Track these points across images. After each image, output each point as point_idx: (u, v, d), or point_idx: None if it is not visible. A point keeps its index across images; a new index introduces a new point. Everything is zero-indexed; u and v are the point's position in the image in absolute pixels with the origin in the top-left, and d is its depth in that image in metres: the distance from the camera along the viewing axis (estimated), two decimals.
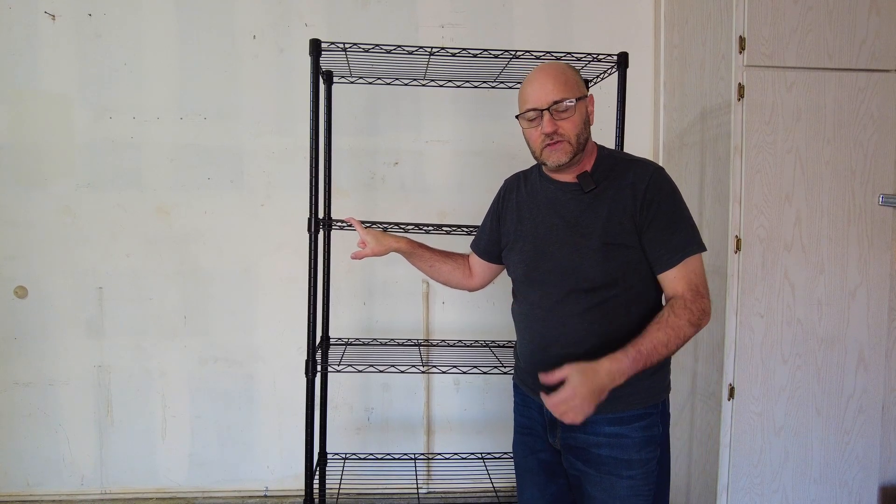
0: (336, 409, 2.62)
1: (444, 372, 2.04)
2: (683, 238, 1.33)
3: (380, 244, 1.71)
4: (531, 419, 1.50)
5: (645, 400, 1.37)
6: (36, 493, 2.55)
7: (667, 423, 1.42)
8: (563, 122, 1.34)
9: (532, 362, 1.44)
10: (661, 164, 2.57)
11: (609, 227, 1.34)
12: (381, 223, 1.96)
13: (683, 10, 2.38)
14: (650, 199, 1.32)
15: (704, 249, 1.36)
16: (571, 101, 1.33)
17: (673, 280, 1.33)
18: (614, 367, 1.22)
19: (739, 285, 2.01)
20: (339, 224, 1.97)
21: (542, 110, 1.34)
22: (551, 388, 1.24)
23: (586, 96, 1.38)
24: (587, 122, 1.38)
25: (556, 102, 1.33)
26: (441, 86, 2.23)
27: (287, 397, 2.59)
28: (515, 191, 1.54)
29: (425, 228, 1.96)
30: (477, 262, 1.68)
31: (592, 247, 1.34)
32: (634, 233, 1.33)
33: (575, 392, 1.18)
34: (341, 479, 2.37)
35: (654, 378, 1.38)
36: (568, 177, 1.41)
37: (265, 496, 2.63)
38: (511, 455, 2.51)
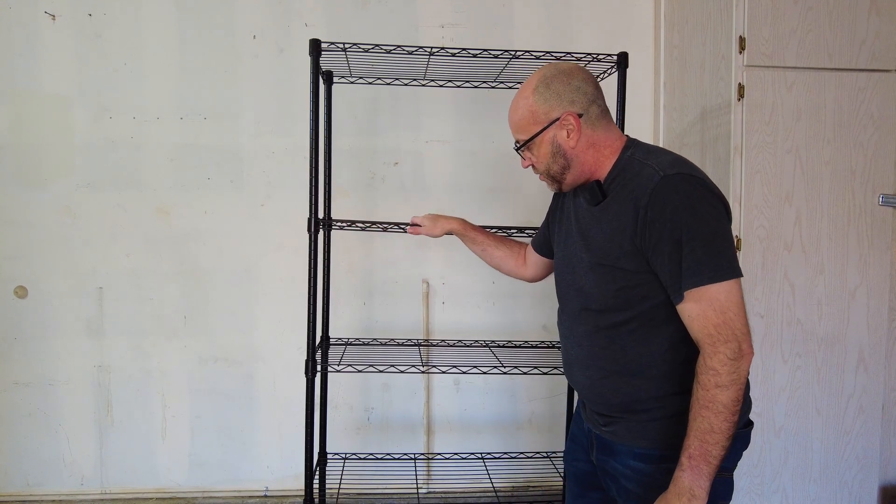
0: (336, 409, 2.62)
1: (444, 372, 2.04)
2: (694, 262, 1.09)
3: (435, 225, 1.72)
4: (578, 429, 1.45)
5: (669, 440, 1.19)
6: (36, 493, 2.55)
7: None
8: (532, 157, 1.31)
9: (567, 376, 1.40)
10: None
11: (605, 247, 1.21)
12: (381, 223, 1.96)
13: (683, 10, 2.38)
14: (652, 216, 1.12)
15: (731, 276, 1.10)
16: (526, 141, 1.28)
17: (689, 320, 1.13)
18: (681, 489, 1.10)
19: None
20: (339, 224, 1.97)
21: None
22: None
23: (555, 121, 1.24)
24: (557, 151, 1.25)
25: (517, 143, 1.32)
26: (441, 86, 2.23)
27: (287, 397, 2.59)
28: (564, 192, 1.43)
29: None
30: (531, 253, 1.64)
31: (593, 266, 1.24)
32: (636, 255, 1.16)
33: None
34: (341, 479, 2.37)
35: (684, 417, 1.16)
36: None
37: (265, 496, 2.63)
38: (511, 456, 2.53)
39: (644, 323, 1.20)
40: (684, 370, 1.19)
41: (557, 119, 1.24)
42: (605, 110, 1.29)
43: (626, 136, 1.31)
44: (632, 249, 1.17)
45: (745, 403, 1.24)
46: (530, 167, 1.35)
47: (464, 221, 1.72)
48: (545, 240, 1.56)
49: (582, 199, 1.31)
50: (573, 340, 1.33)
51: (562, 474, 2.44)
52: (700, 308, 1.10)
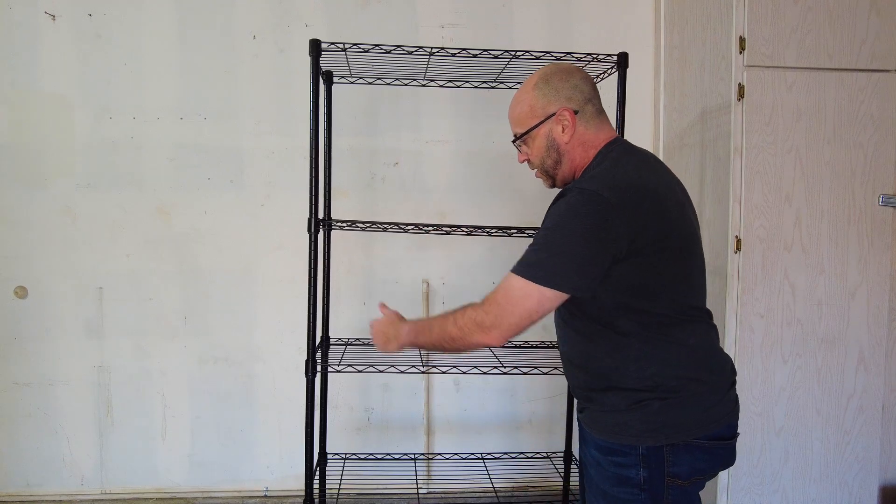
0: (336, 409, 2.62)
1: (444, 372, 2.04)
2: (526, 255, 1.21)
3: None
4: None
5: (615, 434, 1.26)
6: (36, 493, 2.55)
7: (659, 469, 1.23)
8: (528, 151, 1.38)
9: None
10: None
11: None
12: (381, 223, 1.96)
13: (683, 11, 2.38)
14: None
15: (538, 279, 1.17)
16: (522, 134, 1.35)
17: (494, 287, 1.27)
18: (400, 329, 1.41)
19: (739, 286, 2.01)
20: (338, 224, 1.97)
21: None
22: None
23: (551, 116, 1.30)
24: (551, 146, 1.32)
25: (514, 136, 1.38)
26: (441, 86, 2.23)
27: (287, 397, 2.59)
28: None
29: (425, 228, 1.96)
30: None
31: None
32: None
33: (376, 327, 1.47)
34: (341, 479, 2.37)
35: (626, 414, 1.25)
36: None
37: (265, 496, 2.63)
38: (511, 456, 2.53)
39: (587, 321, 1.27)
40: (624, 368, 1.24)
41: (554, 114, 1.31)
42: (601, 111, 1.35)
43: (613, 140, 1.33)
44: None
45: (688, 417, 1.24)
46: (526, 162, 1.41)
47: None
48: None
49: None
50: (559, 333, 1.41)
51: (562, 474, 2.44)
52: (501, 285, 1.23)
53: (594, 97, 1.33)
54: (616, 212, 1.16)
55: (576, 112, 1.30)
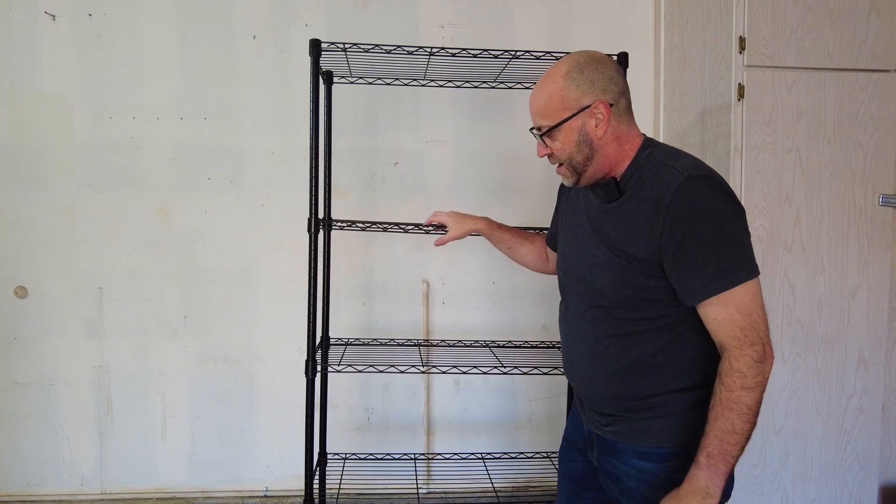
0: (336, 409, 2.62)
1: (444, 372, 2.03)
2: (720, 266, 1.09)
3: (460, 227, 1.66)
4: (575, 429, 1.46)
5: (674, 438, 1.21)
6: (36, 493, 2.55)
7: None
8: (554, 144, 1.25)
9: (567, 375, 1.40)
10: None
11: (621, 245, 1.19)
12: (381, 223, 1.96)
13: (683, 11, 2.38)
14: (674, 218, 1.11)
15: (752, 276, 1.10)
16: (552, 127, 1.23)
17: (714, 323, 1.12)
18: (697, 487, 1.10)
19: None
20: (338, 224, 1.97)
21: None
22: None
23: (585, 108, 1.20)
24: (584, 140, 1.21)
25: (538, 129, 1.27)
26: (441, 86, 2.23)
27: (287, 397, 2.59)
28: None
29: (425, 229, 1.96)
30: (548, 249, 1.62)
31: (607, 262, 1.22)
32: (653, 255, 1.15)
33: None
34: (341, 479, 2.37)
35: (690, 414, 1.19)
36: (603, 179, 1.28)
37: (265, 496, 2.63)
38: (511, 456, 2.53)
39: (652, 322, 1.20)
40: (688, 367, 1.19)
41: (588, 106, 1.21)
42: (631, 105, 1.27)
43: (644, 135, 1.28)
44: (649, 249, 1.15)
45: None
46: (547, 157, 1.30)
47: (489, 220, 1.67)
48: (555, 234, 1.54)
49: (592, 196, 1.29)
50: (578, 337, 1.31)
51: None
52: (727, 311, 1.10)
53: (627, 90, 1.25)
54: (733, 194, 1.17)
55: (611, 105, 1.21)
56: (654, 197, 1.15)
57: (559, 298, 1.43)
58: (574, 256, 1.33)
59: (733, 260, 1.10)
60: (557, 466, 1.54)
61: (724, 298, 1.10)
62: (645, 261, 1.16)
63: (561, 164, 1.28)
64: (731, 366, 1.10)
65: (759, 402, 1.10)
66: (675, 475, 1.17)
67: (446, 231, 1.73)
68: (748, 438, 1.10)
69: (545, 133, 1.25)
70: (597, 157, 1.23)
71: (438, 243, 1.71)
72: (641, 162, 1.22)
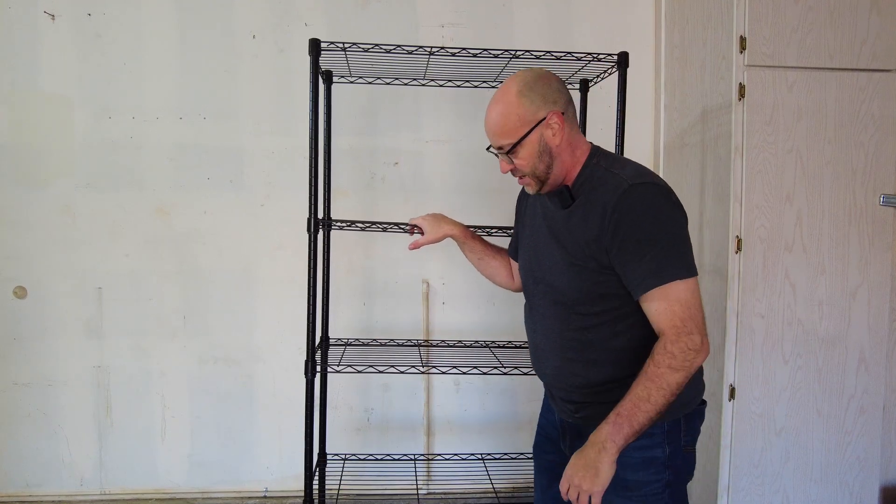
0: (336, 409, 2.61)
1: (444, 372, 2.03)
2: (658, 262, 1.19)
3: (435, 231, 1.70)
4: (547, 420, 1.52)
5: None
6: (35, 493, 2.54)
7: (677, 442, 1.31)
8: (517, 160, 1.33)
9: (537, 371, 1.47)
10: (661, 164, 2.58)
11: (576, 248, 1.29)
12: (381, 223, 1.96)
13: (684, 10, 2.38)
14: (617, 220, 1.21)
15: (690, 275, 1.20)
16: (514, 144, 1.30)
17: (655, 314, 1.21)
18: (598, 439, 1.19)
19: (740, 286, 2.01)
20: (338, 224, 1.96)
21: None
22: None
23: (540, 122, 1.29)
24: (544, 150, 1.31)
25: (499, 148, 1.34)
26: (441, 86, 2.23)
27: (287, 397, 2.59)
28: (527, 194, 1.53)
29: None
30: (513, 264, 1.67)
31: (564, 262, 1.32)
32: (603, 256, 1.25)
33: (579, 489, 1.20)
34: (341, 479, 2.37)
35: None
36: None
37: (265, 496, 2.62)
38: (512, 456, 2.52)
39: (610, 314, 1.29)
40: (645, 353, 1.25)
41: (544, 119, 1.30)
42: (576, 114, 1.38)
43: (591, 143, 1.38)
44: (599, 250, 1.25)
45: (699, 385, 1.36)
46: (510, 172, 1.38)
47: (465, 228, 1.72)
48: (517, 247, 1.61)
49: (549, 202, 1.39)
50: (544, 333, 1.40)
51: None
52: (667, 304, 1.19)
53: (571, 100, 1.35)
54: (674, 198, 1.26)
55: (562, 114, 1.31)
56: (601, 203, 1.25)
57: None
58: (536, 260, 1.42)
59: (669, 258, 1.20)
60: (533, 460, 1.58)
61: (663, 292, 1.20)
62: (597, 260, 1.26)
63: (524, 176, 1.36)
64: (664, 347, 1.18)
65: (680, 385, 1.18)
66: (643, 452, 1.28)
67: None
68: (660, 413, 1.18)
69: (510, 151, 1.33)
70: (556, 164, 1.33)
71: (412, 247, 1.74)
72: (590, 170, 1.32)
